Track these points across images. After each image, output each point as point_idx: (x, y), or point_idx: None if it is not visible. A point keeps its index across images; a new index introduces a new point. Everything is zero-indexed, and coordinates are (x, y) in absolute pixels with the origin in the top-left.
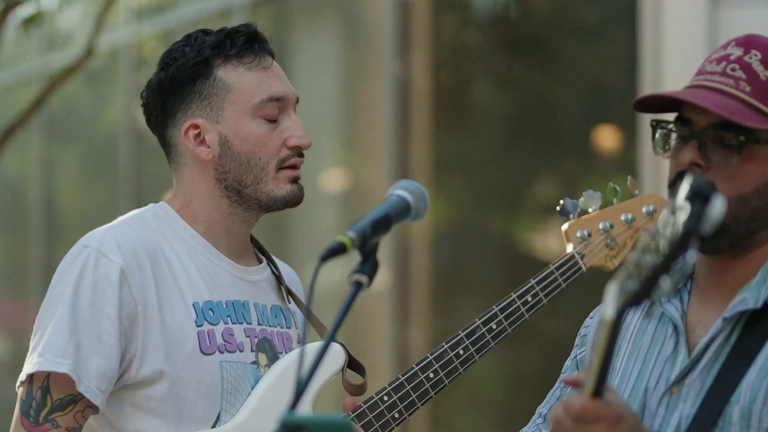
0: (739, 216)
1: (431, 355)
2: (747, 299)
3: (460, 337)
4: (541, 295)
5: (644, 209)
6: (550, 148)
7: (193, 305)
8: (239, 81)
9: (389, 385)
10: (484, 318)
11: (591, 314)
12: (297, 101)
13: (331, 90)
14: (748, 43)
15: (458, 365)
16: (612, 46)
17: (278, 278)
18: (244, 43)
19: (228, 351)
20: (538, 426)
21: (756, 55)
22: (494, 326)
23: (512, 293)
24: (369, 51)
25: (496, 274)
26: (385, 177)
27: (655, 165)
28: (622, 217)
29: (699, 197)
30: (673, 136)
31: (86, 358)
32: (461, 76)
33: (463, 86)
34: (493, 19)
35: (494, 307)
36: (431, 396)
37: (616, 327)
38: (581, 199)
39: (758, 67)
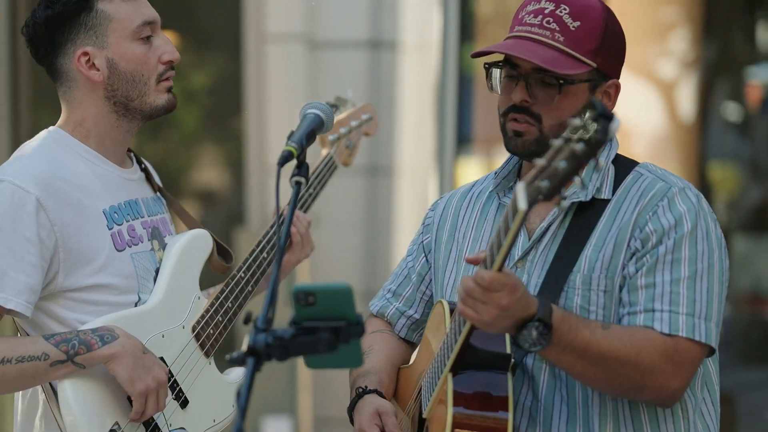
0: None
1: (264, 237)
2: (577, 192)
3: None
4: (319, 187)
5: (363, 116)
6: None
7: (103, 212)
8: (117, 11)
9: (243, 263)
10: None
11: (431, 207)
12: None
13: None
14: None
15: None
16: None
17: (147, 173)
18: None
19: (134, 244)
20: (388, 299)
21: (565, 9)
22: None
23: (291, 180)
24: None
25: None
26: None
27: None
28: (353, 123)
29: (604, 117)
30: (498, 74)
31: (13, 278)
32: None
33: None
34: None
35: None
36: (266, 270)
37: (524, 217)
38: None
39: (568, 20)
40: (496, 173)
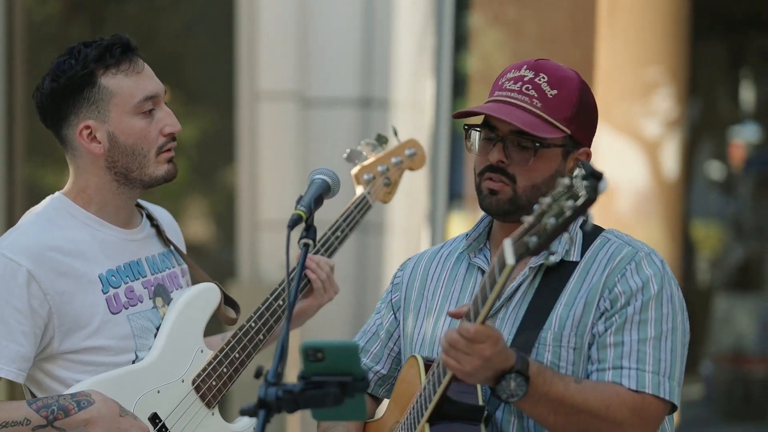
0: (531, 199)
1: (280, 285)
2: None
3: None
4: (347, 229)
5: (407, 152)
6: None
7: (99, 277)
8: (119, 86)
9: (254, 313)
10: (321, 243)
11: (400, 267)
12: (165, 93)
13: None
14: (537, 67)
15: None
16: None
17: (158, 228)
18: (122, 53)
19: (131, 306)
20: None
21: (544, 78)
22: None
23: (328, 230)
24: None
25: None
26: None
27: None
28: (393, 160)
29: (594, 177)
30: (476, 135)
31: (5, 347)
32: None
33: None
34: None
35: (328, 232)
36: (280, 317)
37: (511, 271)
38: (359, 148)
39: (546, 88)
40: (467, 235)
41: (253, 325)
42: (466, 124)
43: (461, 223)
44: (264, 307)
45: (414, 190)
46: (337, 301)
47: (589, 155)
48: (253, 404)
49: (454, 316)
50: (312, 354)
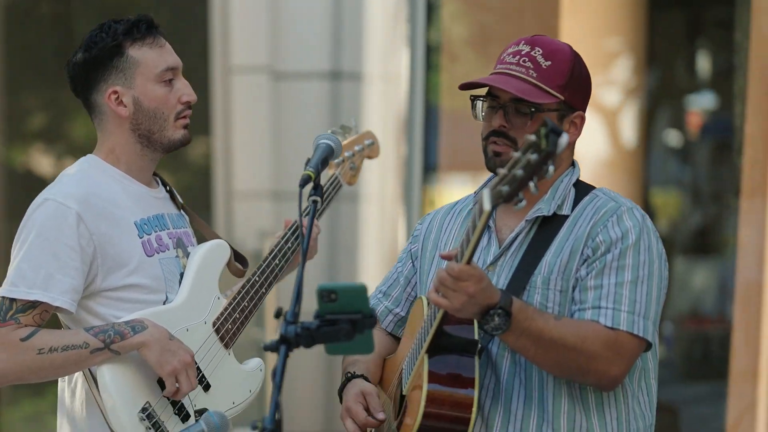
0: None
1: (276, 246)
2: (542, 208)
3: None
4: (325, 203)
5: (366, 142)
6: None
7: (134, 223)
8: (144, 57)
9: (257, 269)
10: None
11: (420, 221)
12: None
13: None
14: (533, 42)
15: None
16: None
17: (171, 194)
18: (146, 29)
19: (161, 251)
20: (379, 299)
21: (539, 51)
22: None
23: (309, 199)
24: None
25: None
26: None
27: None
28: (356, 147)
29: (554, 133)
30: (481, 105)
31: (59, 280)
32: None
33: None
34: None
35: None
36: (278, 274)
37: (489, 216)
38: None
39: (540, 60)
40: (475, 193)
41: (257, 279)
42: (471, 95)
43: (440, 194)
44: (265, 264)
45: (388, 160)
46: (312, 264)
47: (583, 118)
48: (275, 341)
49: (445, 257)
50: (326, 295)
